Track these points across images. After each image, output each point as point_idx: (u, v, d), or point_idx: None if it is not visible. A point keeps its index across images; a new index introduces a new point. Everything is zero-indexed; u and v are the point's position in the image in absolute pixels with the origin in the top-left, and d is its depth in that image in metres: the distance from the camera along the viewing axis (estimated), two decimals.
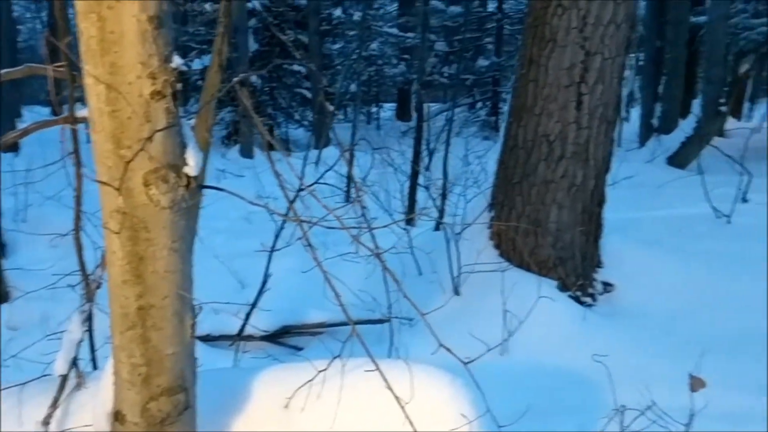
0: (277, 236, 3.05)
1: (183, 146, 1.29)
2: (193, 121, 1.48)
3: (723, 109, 8.67)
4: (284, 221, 2.49)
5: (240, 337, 3.24)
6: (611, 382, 2.36)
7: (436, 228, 4.70)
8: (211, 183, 1.46)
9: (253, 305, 3.21)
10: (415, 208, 5.40)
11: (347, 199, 6.87)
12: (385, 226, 1.64)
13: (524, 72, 3.71)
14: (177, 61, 1.20)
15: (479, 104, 15.95)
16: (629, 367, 2.71)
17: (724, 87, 10.56)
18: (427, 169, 7.97)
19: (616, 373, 2.43)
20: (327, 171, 2.55)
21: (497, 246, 3.88)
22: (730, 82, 12.29)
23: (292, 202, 1.51)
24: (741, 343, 3.22)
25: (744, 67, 12.73)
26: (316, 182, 2.15)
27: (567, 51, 3.51)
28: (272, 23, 12.42)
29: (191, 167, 1.28)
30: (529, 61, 3.67)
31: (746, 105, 15.82)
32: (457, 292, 3.73)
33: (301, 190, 1.67)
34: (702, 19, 10.38)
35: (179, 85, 1.21)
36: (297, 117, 13.18)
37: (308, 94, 12.39)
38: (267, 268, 3.22)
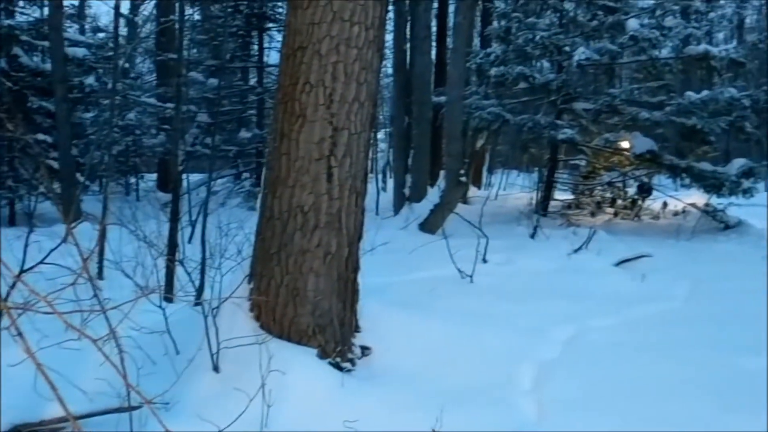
0: None
1: None
2: None
3: (463, 179, 9.61)
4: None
5: None
6: None
7: (196, 303, 4.53)
8: None
9: None
10: (173, 284, 5.17)
11: (100, 277, 6.39)
12: (115, 307, 1.54)
13: (277, 145, 3.80)
14: None
15: (244, 175, 15.98)
16: (381, 428, 2.80)
17: (464, 159, 11.76)
18: (189, 241, 7.72)
19: None
20: (52, 251, 2.34)
21: (257, 318, 3.84)
22: (469, 155, 13.75)
23: (7, 296, 1.36)
24: (482, 393, 3.51)
25: (480, 142, 14.32)
26: (37, 264, 1.96)
27: (316, 126, 3.67)
28: (12, 89, 11.42)
29: None
30: (281, 135, 3.77)
31: (486, 175, 17.75)
32: (216, 369, 3.60)
33: (23, 271, 1.52)
34: (443, 99, 11.54)
35: None
36: (42, 189, 12.10)
37: (55, 165, 11.47)
38: None
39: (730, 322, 4.97)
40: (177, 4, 9.61)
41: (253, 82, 16.75)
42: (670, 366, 3.96)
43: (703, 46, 11.07)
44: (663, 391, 3.61)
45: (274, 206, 3.80)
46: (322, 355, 3.72)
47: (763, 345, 4.41)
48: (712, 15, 12.16)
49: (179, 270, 5.35)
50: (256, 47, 16.21)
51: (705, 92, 10.77)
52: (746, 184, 10.52)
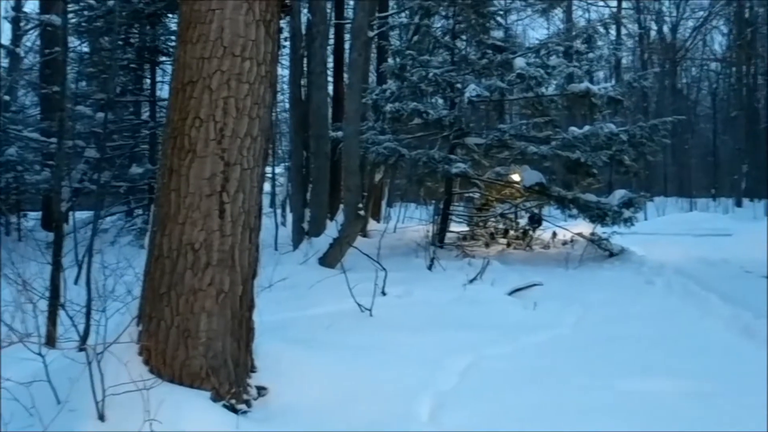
0: None
1: None
2: None
3: (361, 213, 9.67)
4: None
5: None
6: None
7: (81, 349, 4.28)
8: None
9: None
10: (55, 329, 4.87)
11: None
12: None
13: (166, 182, 3.69)
14: None
15: (136, 211, 15.39)
16: None
17: (362, 193, 11.85)
18: (75, 283, 7.33)
19: None
20: None
21: (147, 361, 3.67)
22: (368, 189, 13.88)
23: None
24: (381, 427, 3.49)
25: (378, 176, 14.52)
26: None
27: (207, 162, 3.60)
28: None
29: None
30: (170, 170, 3.67)
31: (385, 208, 17.95)
32: (101, 417, 3.40)
33: None
34: (340, 133, 11.61)
35: None
36: None
37: None
38: None
39: (615, 347, 5.23)
40: (61, 35, 9.23)
41: (145, 116, 16.27)
42: (560, 391, 4.09)
43: (584, 84, 11.76)
44: (554, 416, 3.72)
45: (163, 244, 3.67)
46: (216, 397, 3.60)
47: (646, 367, 4.66)
48: (591, 55, 12.92)
49: (63, 314, 5.06)
50: (148, 81, 15.79)
51: (587, 127, 11.42)
52: (627, 213, 11.19)
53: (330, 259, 9.05)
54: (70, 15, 14.09)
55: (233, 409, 3.60)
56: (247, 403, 3.76)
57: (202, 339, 3.63)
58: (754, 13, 32.31)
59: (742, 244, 13.10)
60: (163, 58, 14.88)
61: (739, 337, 5.62)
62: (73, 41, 15.29)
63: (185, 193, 3.61)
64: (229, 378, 3.69)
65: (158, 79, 15.42)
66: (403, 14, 16.33)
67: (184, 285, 3.62)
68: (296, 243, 11.10)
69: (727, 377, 4.41)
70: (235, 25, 3.62)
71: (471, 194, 14.39)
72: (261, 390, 3.90)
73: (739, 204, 30.79)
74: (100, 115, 13.67)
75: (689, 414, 3.75)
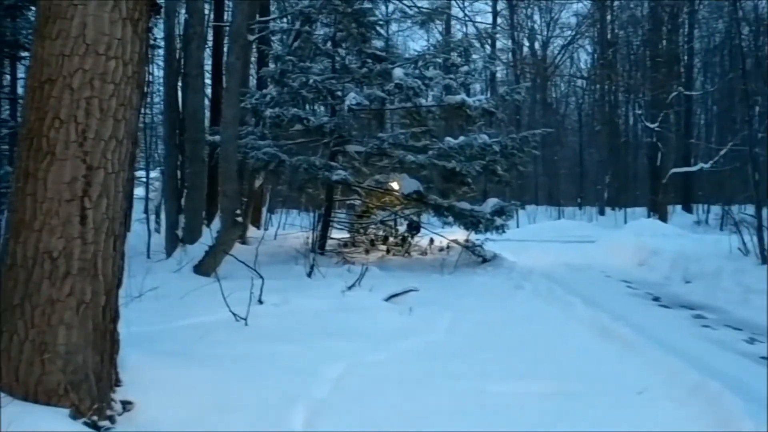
0: None
1: None
2: None
3: (239, 219, 9.47)
4: None
5: None
6: None
7: None
8: None
9: None
10: None
11: None
12: None
13: (21, 185, 3.45)
14: None
15: None
16: None
17: (241, 199, 11.62)
18: None
19: None
20: None
21: None
22: (248, 195, 13.64)
23: None
24: None
25: (258, 182, 14.30)
26: None
27: (67, 165, 3.39)
28: None
29: None
30: (25, 174, 3.43)
31: (266, 215, 17.69)
32: None
33: None
34: (218, 138, 11.33)
35: None
36: None
37: None
38: None
39: (486, 350, 5.42)
40: None
41: (5, 114, 15.18)
42: (433, 396, 4.19)
43: (460, 96, 12.15)
44: (426, 420, 3.80)
45: (17, 252, 3.42)
46: (76, 414, 3.39)
47: (515, 370, 4.87)
48: (466, 68, 13.36)
49: None
50: (9, 77, 14.75)
51: (462, 138, 11.81)
52: (499, 221, 11.68)
53: (205, 267, 8.79)
54: None
55: (95, 426, 3.41)
56: (111, 419, 3.57)
57: (60, 353, 3.41)
58: (615, 35, 34.78)
59: (604, 251, 14.06)
60: (25, 54, 13.95)
61: (598, 338, 5.98)
62: None
63: (42, 198, 3.39)
64: (91, 393, 3.49)
65: (20, 75, 14.46)
66: (284, 20, 16.21)
67: (40, 296, 3.39)
68: (170, 250, 10.70)
69: (588, 377, 4.68)
70: (100, 22, 3.45)
71: (352, 201, 14.50)
72: (126, 405, 3.71)
73: (602, 212, 33.00)
74: None
75: (554, 414, 3.94)
